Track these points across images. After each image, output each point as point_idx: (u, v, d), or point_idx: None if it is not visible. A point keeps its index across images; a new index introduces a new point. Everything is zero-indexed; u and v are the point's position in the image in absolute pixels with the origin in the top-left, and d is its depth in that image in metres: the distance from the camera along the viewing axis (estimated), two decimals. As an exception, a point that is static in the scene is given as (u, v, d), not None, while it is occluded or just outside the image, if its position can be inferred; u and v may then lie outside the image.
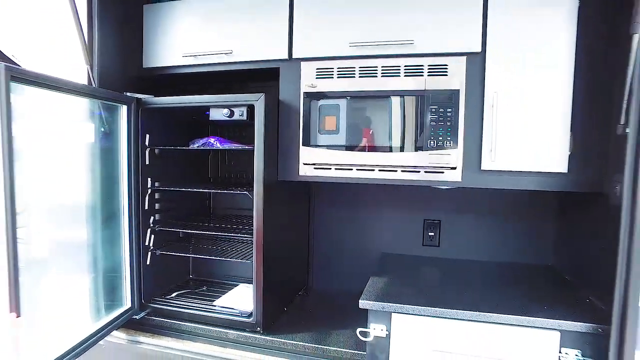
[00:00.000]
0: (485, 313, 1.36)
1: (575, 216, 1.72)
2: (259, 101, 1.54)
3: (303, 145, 1.66)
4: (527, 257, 1.94)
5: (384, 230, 2.11)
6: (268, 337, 1.63)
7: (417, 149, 1.54)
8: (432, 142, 1.52)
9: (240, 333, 1.65)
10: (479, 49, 1.49)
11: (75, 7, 1.42)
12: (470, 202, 1.99)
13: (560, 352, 1.33)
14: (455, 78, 1.51)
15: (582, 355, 1.32)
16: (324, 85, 1.63)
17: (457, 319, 1.38)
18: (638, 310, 1.16)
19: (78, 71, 1.57)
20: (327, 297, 2.06)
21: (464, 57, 1.51)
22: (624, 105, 1.18)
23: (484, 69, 1.49)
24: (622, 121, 1.19)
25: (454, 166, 1.52)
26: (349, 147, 1.61)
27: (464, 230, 2.02)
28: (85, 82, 1.59)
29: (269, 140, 1.62)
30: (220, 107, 1.62)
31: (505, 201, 1.94)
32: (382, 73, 1.58)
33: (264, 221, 1.59)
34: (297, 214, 2.09)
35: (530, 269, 1.88)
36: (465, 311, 1.37)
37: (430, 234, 2.06)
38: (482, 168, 1.51)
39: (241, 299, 1.83)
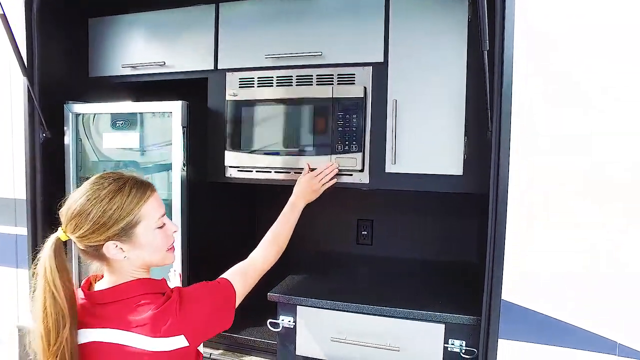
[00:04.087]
0: (377, 306, 1.47)
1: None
2: (176, 109, 1.66)
3: (227, 149, 1.77)
4: (453, 255, 2.04)
5: (322, 230, 2.22)
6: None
7: (327, 152, 1.64)
8: (339, 147, 1.63)
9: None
10: (381, 59, 1.60)
11: (8, 22, 1.54)
12: (401, 202, 2.09)
13: (447, 342, 1.43)
14: (362, 86, 1.61)
15: (466, 346, 1.42)
16: (246, 94, 1.74)
17: (353, 312, 1.49)
18: (500, 303, 1.26)
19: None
20: (263, 294, 2.18)
21: (370, 67, 1.62)
22: (489, 114, 1.27)
23: (387, 79, 1.59)
24: (490, 128, 1.29)
25: (360, 169, 1.62)
26: (268, 152, 1.72)
27: (395, 229, 2.12)
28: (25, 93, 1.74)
29: (196, 144, 1.75)
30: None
31: (433, 201, 2.03)
32: (296, 82, 1.70)
33: (188, 220, 1.72)
34: (240, 215, 2.21)
35: (453, 266, 1.97)
36: (359, 304, 1.48)
37: (363, 232, 2.16)
38: (386, 171, 1.61)
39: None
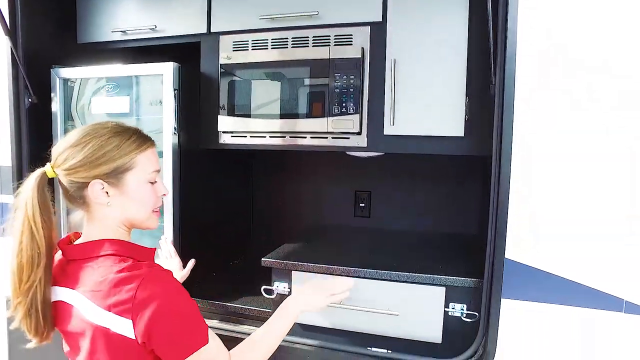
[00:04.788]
0: (375, 270, 1.42)
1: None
2: (167, 71, 1.60)
3: (221, 114, 1.72)
4: (454, 227, 1.99)
5: (318, 202, 2.18)
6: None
7: (322, 115, 1.59)
8: (336, 109, 1.58)
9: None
10: (380, 18, 1.54)
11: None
12: (400, 173, 2.05)
13: (447, 307, 1.39)
14: (360, 47, 1.56)
15: (467, 310, 1.37)
16: (240, 57, 1.68)
17: (351, 276, 1.44)
18: (503, 261, 1.22)
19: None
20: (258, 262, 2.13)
21: (368, 27, 1.56)
22: (492, 65, 1.22)
23: (385, 38, 1.54)
24: (493, 81, 1.23)
25: (358, 131, 1.57)
26: (263, 116, 1.66)
27: (394, 201, 2.08)
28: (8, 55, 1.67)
29: (188, 109, 1.69)
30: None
31: (433, 170, 2.00)
32: (292, 44, 1.64)
33: (180, 188, 1.66)
34: (235, 184, 2.16)
35: (454, 238, 1.93)
36: (357, 268, 1.43)
37: (361, 205, 2.12)
38: (384, 133, 1.56)
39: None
